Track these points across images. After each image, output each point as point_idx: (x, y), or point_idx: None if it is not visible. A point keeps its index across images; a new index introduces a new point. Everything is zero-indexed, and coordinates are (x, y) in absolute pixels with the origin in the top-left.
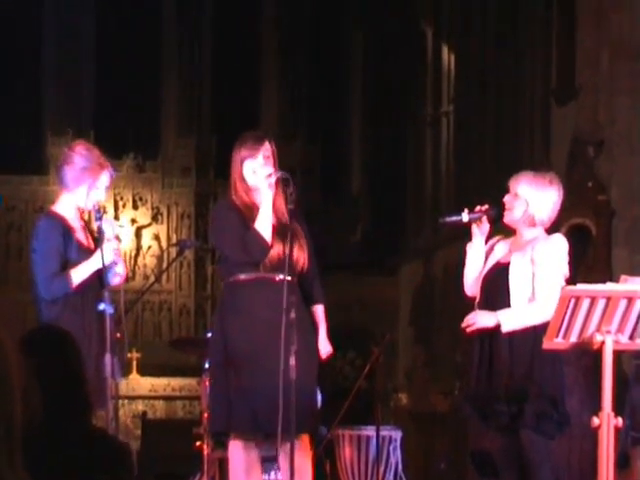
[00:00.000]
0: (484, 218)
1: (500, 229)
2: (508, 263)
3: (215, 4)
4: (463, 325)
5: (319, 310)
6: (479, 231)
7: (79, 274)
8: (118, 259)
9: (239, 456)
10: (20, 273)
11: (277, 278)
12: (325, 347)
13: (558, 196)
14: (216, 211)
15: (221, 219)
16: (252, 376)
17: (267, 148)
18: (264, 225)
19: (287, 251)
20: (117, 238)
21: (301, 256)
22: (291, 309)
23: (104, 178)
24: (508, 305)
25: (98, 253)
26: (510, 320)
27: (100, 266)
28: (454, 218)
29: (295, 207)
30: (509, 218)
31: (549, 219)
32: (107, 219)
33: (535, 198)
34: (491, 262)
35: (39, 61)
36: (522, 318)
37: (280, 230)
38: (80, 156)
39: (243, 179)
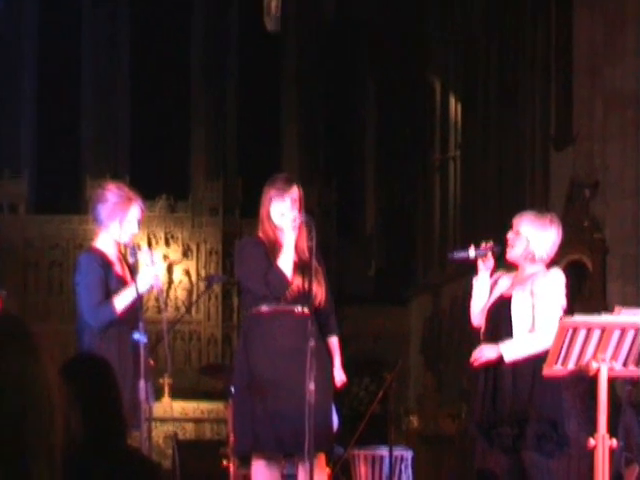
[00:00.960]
0: (489, 254)
1: (504, 265)
2: (511, 297)
3: (239, 60)
4: (471, 361)
5: (334, 341)
6: (484, 266)
7: (122, 301)
8: (157, 284)
9: (262, 473)
10: (61, 306)
11: (296, 310)
12: (339, 376)
13: (557, 235)
14: (242, 246)
15: (246, 254)
16: (274, 400)
17: (294, 192)
18: (286, 263)
19: (307, 286)
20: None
21: (319, 291)
22: (310, 338)
23: (134, 211)
24: (511, 335)
25: (141, 281)
26: (511, 351)
27: (139, 294)
28: (462, 254)
29: (315, 247)
30: (512, 255)
31: (548, 256)
32: (144, 251)
33: (536, 236)
34: (495, 295)
35: (79, 109)
36: (523, 348)
37: (301, 266)
38: (111, 193)
39: (270, 218)
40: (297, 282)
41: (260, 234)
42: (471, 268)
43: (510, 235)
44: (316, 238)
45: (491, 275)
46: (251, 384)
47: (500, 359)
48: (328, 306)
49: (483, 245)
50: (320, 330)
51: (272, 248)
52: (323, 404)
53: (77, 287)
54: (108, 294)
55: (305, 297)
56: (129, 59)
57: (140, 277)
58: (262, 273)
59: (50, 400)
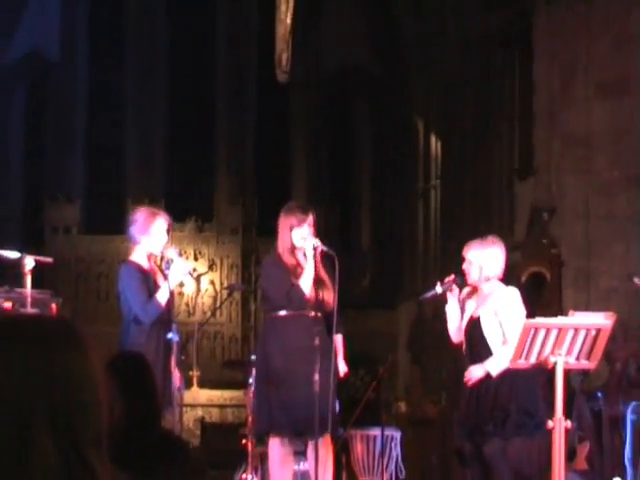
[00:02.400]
0: (453, 286)
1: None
2: (478, 317)
3: (257, 105)
4: (465, 380)
5: (339, 339)
6: (452, 295)
7: (162, 295)
8: (186, 272)
9: (276, 450)
10: (107, 311)
11: (308, 314)
12: (342, 368)
13: (502, 252)
14: (267, 264)
15: (271, 271)
16: (286, 389)
17: (311, 219)
18: (307, 283)
19: (319, 295)
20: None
21: (330, 298)
22: (316, 337)
23: (160, 222)
24: (488, 349)
25: (171, 278)
26: (495, 366)
27: (172, 287)
28: (431, 293)
29: (326, 266)
30: (470, 281)
31: (500, 271)
32: (174, 252)
33: (484, 259)
34: (466, 318)
35: (123, 145)
36: (503, 361)
37: (318, 280)
38: (138, 213)
39: (291, 243)
40: (312, 293)
41: (280, 253)
42: (439, 302)
43: (465, 265)
44: (328, 271)
45: (459, 300)
46: (268, 375)
47: (487, 375)
48: (334, 309)
49: (447, 279)
50: (328, 330)
51: (292, 269)
52: (328, 393)
53: (122, 294)
54: (150, 295)
55: (316, 304)
56: (165, 103)
57: (171, 274)
58: (285, 289)
59: (96, 392)
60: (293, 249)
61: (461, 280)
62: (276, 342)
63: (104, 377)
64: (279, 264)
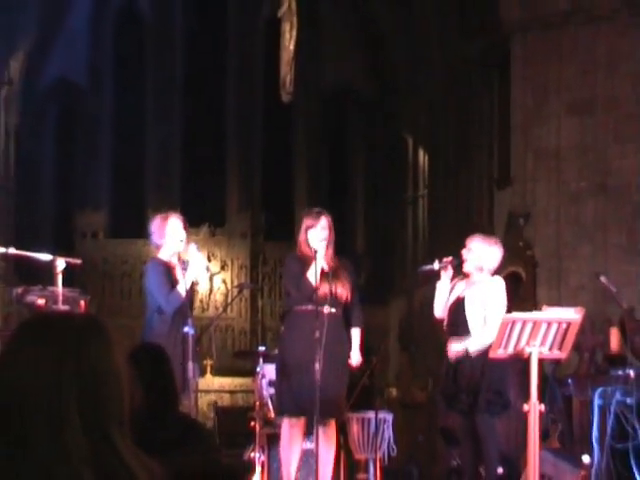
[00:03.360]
0: (449, 266)
1: (460, 274)
2: (464, 298)
3: (263, 126)
4: (448, 354)
5: (356, 332)
6: (445, 275)
7: (182, 287)
8: (203, 268)
9: (288, 430)
10: (130, 307)
11: (324, 310)
12: (355, 357)
13: (500, 252)
14: (287, 261)
15: (288, 267)
16: (298, 377)
17: (324, 221)
18: (313, 275)
19: (332, 291)
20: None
21: (344, 293)
22: (317, 331)
23: (173, 222)
24: (467, 328)
25: (189, 274)
26: (474, 345)
27: (193, 278)
28: (429, 267)
29: (340, 261)
30: (466, 266)
31: (493, 267)
32: (193, 250)
33: (483, 252)
34: (453, 297)
35: (143, 159)
36: (481, 341)
37: (327, 276)
38: (152, 222)
39: (307, 240)
40: (324, 289)
41: (298, 251)
42: (433, 279)
43: (464, 251)
44: (347, 267)
45: (451, 281)
46: (284, 365)
47: (466, 352)
48: (353, 302)
49: (444, 259)
50: (346, 322)
51: (307, 262)
52: (337, 382)
53: (148, 288)
54: (172, 287)
55: (331, 299)
56: (181, 124)
57: (190, 267)
58: (296, 281)
59: (120, 380)
60: (308, 246)
61: (457, 263)
62: (290, 335)
63: (126, 366)
64: (295, 260)
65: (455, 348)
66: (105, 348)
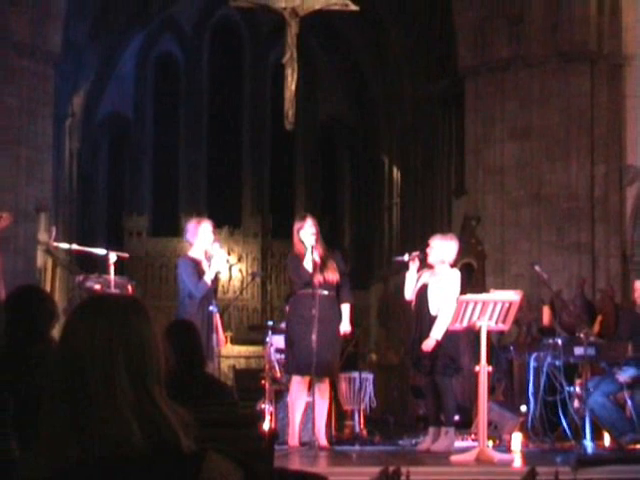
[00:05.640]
0: (416, 259)
1: (425, 265)
2: (427, 285)
3: (272, 149)
4: (424, 349)
5: (345, 307)
6: (413, 265)
7: (208, 277)
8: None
9: (296, 385)
10: (167, 291)
11: (320, 293)
12: (345, 327)
13: (456, 246)
14: (289, 259)
15: (290, 263)
16: (301, 345)
17: (309, 221)
18: (308, 264)
19: (325, 278)
20: (227, 262)
21: (334, 277)
22: (313, 309)
23: (204, 226)
24: (429, 308)
25: (213, 267)
26: (438, 332)
27: (216, 271)
28: (400, 258)
29: (328, 251)
30: (430, 259)
31: (452, 259)
32: (217, 249)
33: (443, 248)
34: (420, 283)
35: (177, 174)
36: (441, 326)
37: (321, 264)
38: (189, 223)
39: (299, 239)
40: (318, 276)
41: (295, 250)
42: (403, 269)
43: (428, 249)
44: (336, 257)
45: (418, 271)
46: (291, 336)
47: (428, 329)
48: (343, 284)
49: (412, 253)
50: (338, 299)
51: (302, 256)
52: (331, 349)
53: (180, 277)
54: (200, 278)
55: (324, 284)
56: (206, 147)
57: (214, 261)
58: (297, 271)
59: (157, 347)
60: (301, 245)
61: (422, 256)
62: (296, 312)
63: (163, 337)
64: (293, 256)
65: (428, 345)
66: (144, 322)
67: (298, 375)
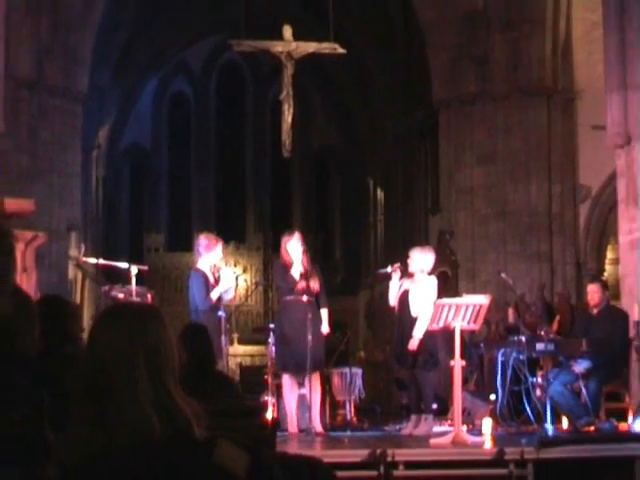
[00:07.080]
0: (397, 270)
1: (406, 275)
2: (408, 291)
3: (273, 175)
4: (410, 349)
5: (324, 312)
6: (395, 275)
7: (215, 294)
8: (232, 285)
9: (287, 381)
10: (181, 299)
11: (303, 299)
12: (325, 329)
13: (433, 257)
14: (274, 266)
15: (276, 270)
16: (292, 345)
17: (296, 236)
18: (296, 273)
19: (309, 286)
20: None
21: (315, 286)
22: (308, 312)
23: (220, 245)
24: (410, 312)
25: (221, 284)
26: (419, 332)
27: (222, 291)
28: (384, 270)
29: (311, 262)
30: (410, 269)
31: (429, 268)
32: (228, 269)
33: (422, 259)
34: (402, 290)
35: (190, 197)
36: (422, 326)
37: (306, 274)
38: (206, 237)
39: (287, 251)
40: (302, 284)
41: (282, 259)
42: (387, 278)
43: (408, 260)
44: (316, 269)
45: (400, 279)
46: (282, 337)
47: (412, 329)
48: (322, 293)
49: (394, 265)
50: (317, 306)
51: (289, 265)
52: (318, 347)
53: (190, 289)
54: (208, 292)
55: (307, 291)
56: (214, 172)
57: (221, 284)
58: (283, 277)
59: (172, 348)
60: (288, 255)
61: (403, 267)
62: (285, 316)
63: (178, 339)
64: (280, 264)
65: (412, 344)
66: (160, 327)
67: (292, 371)
